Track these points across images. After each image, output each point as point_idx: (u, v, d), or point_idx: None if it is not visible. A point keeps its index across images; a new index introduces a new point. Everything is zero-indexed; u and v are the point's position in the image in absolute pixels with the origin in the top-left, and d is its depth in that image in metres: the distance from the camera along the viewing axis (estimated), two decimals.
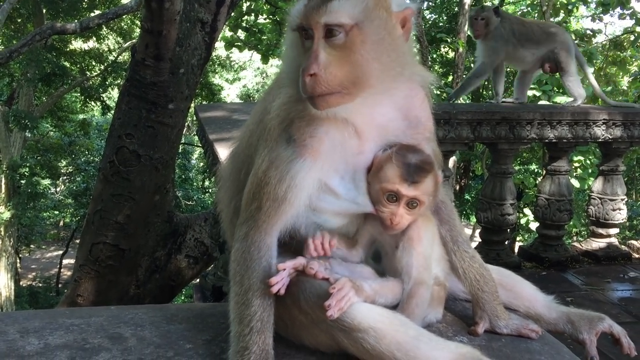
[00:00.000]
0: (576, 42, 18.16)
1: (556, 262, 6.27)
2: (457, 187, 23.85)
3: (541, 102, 12.16)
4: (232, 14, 11.09)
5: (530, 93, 12.75)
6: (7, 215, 20.01)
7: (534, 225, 13.56)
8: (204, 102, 21.98)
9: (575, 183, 13.44)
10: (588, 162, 14.05)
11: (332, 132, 2.03)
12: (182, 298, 20.63)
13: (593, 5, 20.97)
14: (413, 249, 2.19)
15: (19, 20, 21.60)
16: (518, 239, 22.57)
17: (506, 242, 6.42)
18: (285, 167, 2.01)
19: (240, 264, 2.09)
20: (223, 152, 3.95)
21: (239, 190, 2.23)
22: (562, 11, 20.10)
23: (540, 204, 6.43)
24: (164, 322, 2.30)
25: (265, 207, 2.05)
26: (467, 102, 17.04)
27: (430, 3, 23.91)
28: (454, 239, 2.41)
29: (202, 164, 28.11)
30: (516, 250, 6.97)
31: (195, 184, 28.80)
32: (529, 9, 24.52)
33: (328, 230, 2.17)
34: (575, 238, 18.51)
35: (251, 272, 2.06)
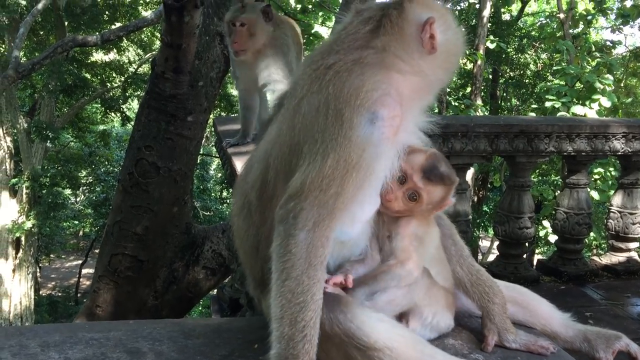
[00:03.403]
0: (596, 53, 18.11)
1: (575, 276, 6.20)
2: (476, 199, 23.73)
3: (560, 114, 12.10)
4: None
5: (548, 104, 12.71)
6: (28, 224, 20.19)
7: (553, 238, 13.45)
8: (223, 113, 22.11)
9: (595, 195, 13.34)
10: (608, 174, 13.93)
11: (406, 117, 2.07)
12: (200, 309, 20.68)
13: (613, 17, 20.86)
14: (399, 234, 2.24)
15: (42, 32, 21.95)
16: (537, 251, 22.39)
17: (524, 256, 6.37)
18: (374, 150, 1.96)
19: (300, 258, 1.91)
20: (241, 165, 3.98)
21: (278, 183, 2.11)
22: (581, 22, 20.03)
23: (559, 218, 6.38)
24: (181, 337, 2.32)
25: (347, 193, 1.94)
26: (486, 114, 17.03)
27: None
28: (459, 252, 2.44)
29: (220, 174, 28.27)
30: (535, 262, 6.92)
31: (213, 194, 28.94)
32: (548, 20, 24.44)
33: (342, 243, 2.15)
34: (595, 251, 18.32)
35: (314, 270, 1.91)
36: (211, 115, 8.32)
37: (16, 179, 20.72)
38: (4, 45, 19.32)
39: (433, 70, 2.16)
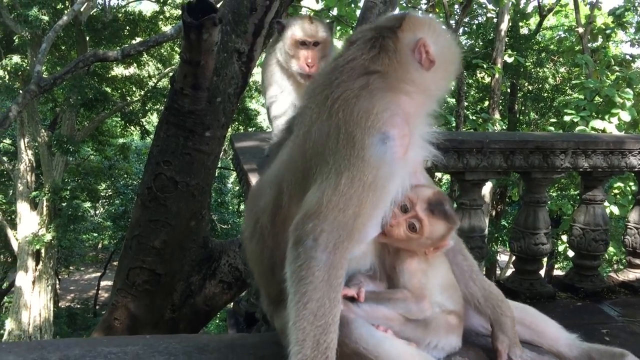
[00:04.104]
0: (615, 67, 18.01)
1: (592, 292, 6.15)
2: (494, 213, 23.61)
3: (579, 128, 12.03)
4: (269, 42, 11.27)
5: (567, 118, 12.66)
6: (47, 237, 20.40)
7: (572, 253, 13.32)
8: (241, 127, 22.28)
9: (615, 210, 13.22)
10: (628, 188, 13.81)
11: (415, 135, 2.15)
12: (217, 322, 20.73)
13: (632, 30, 20.75)
14: (405, 270, 2.30)
15: (63, 47, 22.30)
16: (557, 266, 22.19)
17: (540, 272, 6.34)
18: (388, 170, 2.00)
19: (322, 281, 1.91)
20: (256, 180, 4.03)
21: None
22: (600, 36, 19.95)
23: (575, 234, 6.36)
24: (195, 352, 2.38)
25: (365, 214, 1.97)
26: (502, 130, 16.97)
27: (466, 29, 23.96)
28: (471, 267, 2.48)
29: (237, 187, 28.39)
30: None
31: (230, 207, 29.08)
32: (566, 34, 24.36)
33: (350, 260, 2.17)
34: (616, 266, 18.12)
35: (335, 292, 1.92)
36: (229, 130, 8.40)
37: (37, 192, 20.98)
38: (26, 60, 19.64)
39: (435, 84, 2.27)
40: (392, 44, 2.17)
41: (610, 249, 17.38)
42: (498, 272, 25.25)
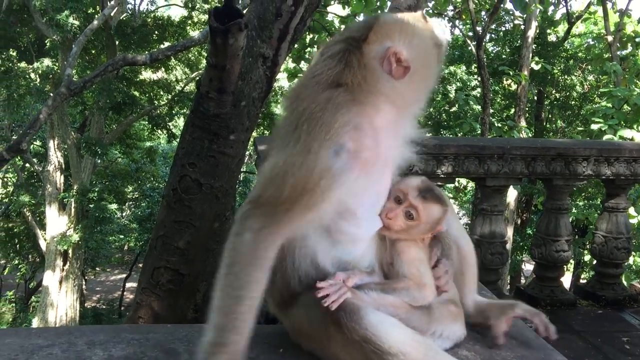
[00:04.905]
0: None
1: (613, 300, 6.14)
2: (519, 221, 23.43)
3: (607, 137, 11.93)
4: (295, 46, 11.40)
5: (595, 127, 12.56)
6: (75, 238, 20.70)
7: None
8: (266, 131, 22.42)
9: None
10: None
11: (381, 147, 2.16)
12: None
13: None
14: (401, 260, 2.37)
15: (93, 51, 22.68)
16: (583, 276, 21.92)
17: (561, 279, 6.33)
18: (332, 181, 2.04)
19: (243, 256, 2.08)
20: None
21: None
22: (629, 44, 19.72)
23: (597, 242, 6.35)
24: None
25: (297, 208, 2.06)
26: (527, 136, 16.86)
27: (493, 35, 23.86)
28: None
29: None
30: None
31: None
32: (595, 41, 24.13)
33: (347, 262, 2.30)
34: None
35: (254, 269, 2.07)
36: (254, 134, 8.50)
37: (65, 193, 21.30)
38: (57, 64, 20.01)
39: (411, 91, 2.23)
40: (357, 60, 2.16)
41: (638, 258, 17.15)
42: (523, 280, 25.03)
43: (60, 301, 21.24)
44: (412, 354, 2.04)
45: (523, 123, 19.06)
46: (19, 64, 20.60)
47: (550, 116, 26.17)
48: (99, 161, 23.39)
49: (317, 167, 2.03)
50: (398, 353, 2.02)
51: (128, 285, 27.87)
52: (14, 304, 27.47)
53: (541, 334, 2.58)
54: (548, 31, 23.73)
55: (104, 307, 28.16)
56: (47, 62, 19.56)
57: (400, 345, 2.04)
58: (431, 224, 2.42)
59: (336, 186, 2.06)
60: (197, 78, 6.89)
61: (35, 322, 21.38)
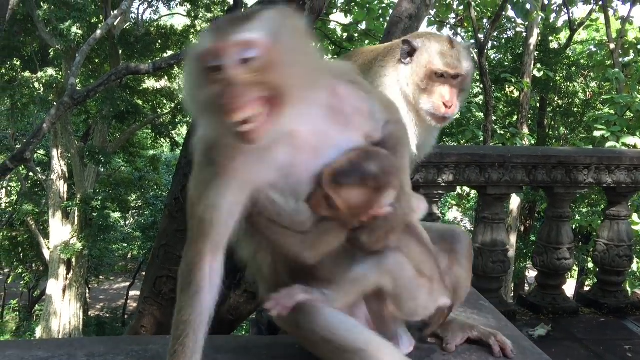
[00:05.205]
0: None
1: (615, 308, 6.14)
2: (522, 229, 23.39)
3: (609, 144, 11.92)
4: None
5: (597, 134, 12.55)
6: (78, 246, 20.73)
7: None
8: None
9: None
10: None
11: (258, 151, 2.02)
12: (243, 333, 20.82)
13: None
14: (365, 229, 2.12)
15: (97, 60, 22.77)
16: (586, 283, 21.86)
17: (563, 287, 6.33)
18: (206, 189, 2.10)
19: (180, 279, 2.28)
20: None
21: None
22: (631, 51, 19.74)
23: (599, 249, 6.35)
24: (212, 352, 2.48)
25: (195, 228, 2.17)
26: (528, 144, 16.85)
27: (495, 43, 23.89)
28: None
29: None
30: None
31: None
32: (597, 48, 24.16)
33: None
34: None
35: (184, 291, 2.24)
36: None
37: (69, 202, 21.36)
38: (61, 73, 20.11)
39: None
40: None
41: None
42: (527, 288, 24.95)
43: (64, 310, 21.27)
44: (369, 352, 2.04)
45: (526, 130, 19.05)
46: (22, 74, 20.70)
47: (552, 123, 26.14)
48: (103, 170, 23.46)
49: (199, 181, 2.18)
50: (358, 350, 2.04)
51: (131, 293, 27.86)
52: (17, 313, 27.55)
53: (496, 354, 2.57)
54: (550, 38, 23.74)
55: (107, 315, 28.16)
56: (50, 71, 19.71)
57: (359, 344, 2.05)
58: (359, 210, 2.04)
59: (214, 194, 2.10)
60: None
61: (39, 331, 21.40)
